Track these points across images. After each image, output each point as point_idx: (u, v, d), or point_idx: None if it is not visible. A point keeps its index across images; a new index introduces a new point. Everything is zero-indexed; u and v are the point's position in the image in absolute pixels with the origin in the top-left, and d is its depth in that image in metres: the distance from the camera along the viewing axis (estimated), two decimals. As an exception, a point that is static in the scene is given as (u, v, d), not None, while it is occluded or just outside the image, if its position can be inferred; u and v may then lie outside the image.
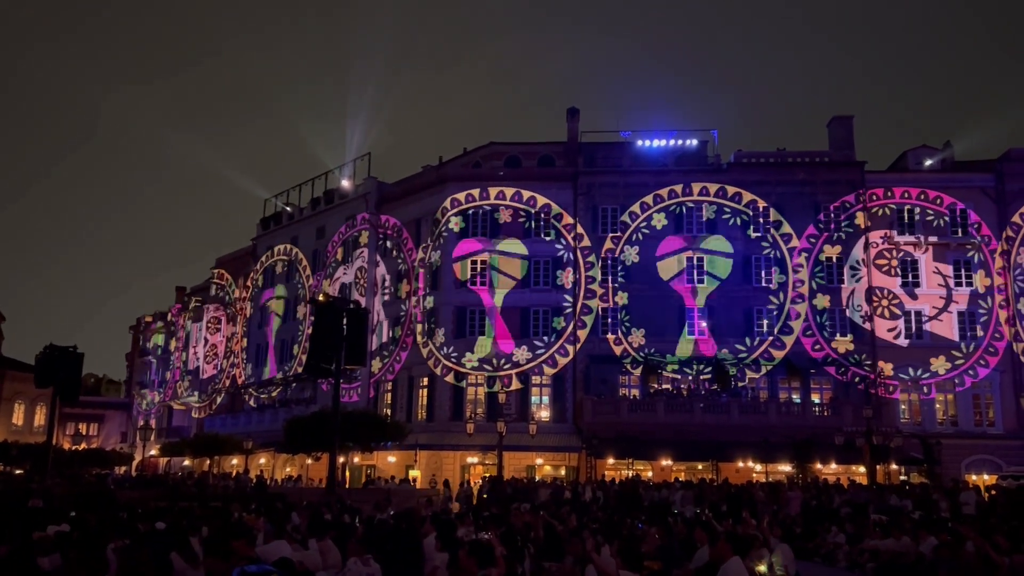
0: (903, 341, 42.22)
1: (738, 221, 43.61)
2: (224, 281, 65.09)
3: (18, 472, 50.79)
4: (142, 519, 13.88)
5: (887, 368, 41.74)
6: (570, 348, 43.28)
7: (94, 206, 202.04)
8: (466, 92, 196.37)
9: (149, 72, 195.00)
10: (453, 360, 43.83)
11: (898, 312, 42.53)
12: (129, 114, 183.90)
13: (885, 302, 42.69)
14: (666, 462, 38.39)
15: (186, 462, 55.51)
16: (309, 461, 42.21)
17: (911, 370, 41.78)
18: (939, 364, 41.73)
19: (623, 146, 46.43)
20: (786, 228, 43.45)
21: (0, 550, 8.31)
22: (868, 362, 41.89)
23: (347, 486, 34.60)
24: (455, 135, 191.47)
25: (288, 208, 59.41)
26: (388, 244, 49.68)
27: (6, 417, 74.79)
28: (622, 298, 43.32)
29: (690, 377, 42.07)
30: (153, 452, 64.35)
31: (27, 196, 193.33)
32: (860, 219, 43.34)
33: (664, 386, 41.88)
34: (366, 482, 40.84)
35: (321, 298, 25.37)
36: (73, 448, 67.00)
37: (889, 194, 43.73)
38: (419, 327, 45.78)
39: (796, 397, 41.72)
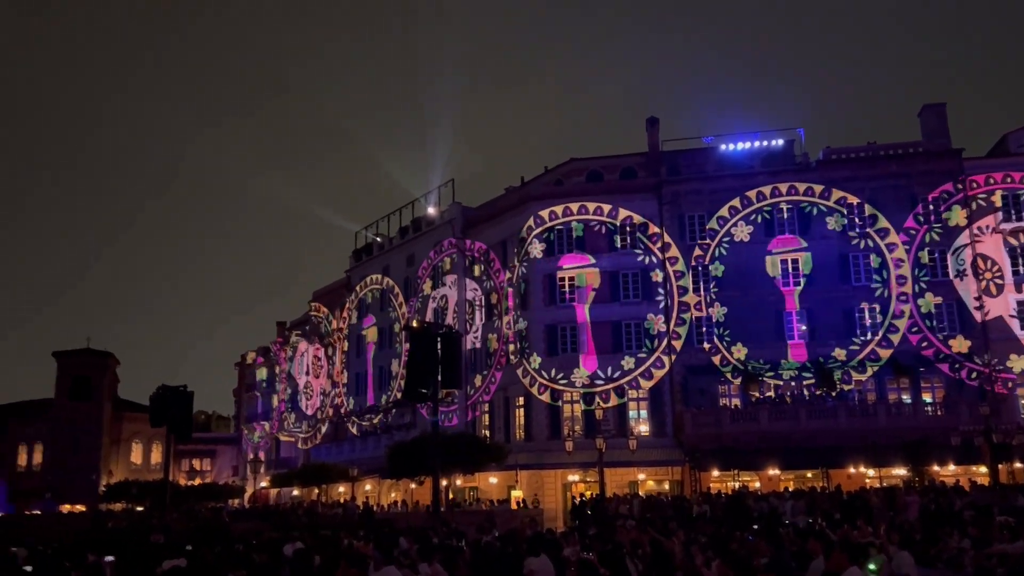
0: (1021, 332, 40.15)
1: (832, 220, 42.38)
2: (321, 313, 66.91)
3: (139, 509, 53.10)
4: (256, 550, 14.31)
5: (1020, 363, 39.60)
6: (666, 360, 42.76)
7: (188, 250, 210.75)
8: (543, 109, 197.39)
9: (228, 114, 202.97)
10: (547, 378, 43.86)
11: (1012, 303, 40.49)
12: (211, 157, 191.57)
13: (995, 291, 40.72)
14: (773, 471, 37.42)
15: (295, 492, 57.03)
16: (413, 486, 42.84)
17: (1030, 363, 39.65)
18: (1060, 355, 39.51)
19: (706, 152, 45.82)
20: (883, 223, 41.99)
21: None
22: (981, 357, 39.92)
23: (451, 509, 34.95)
24: (535, 154, 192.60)
25: (378, 239, 60.82)
26: (476, 267, 50.24)
27: (125, 456, 78.48)
28: (716, 306, 42.61)
29: (792, 382, 40.97)
30: (264, 484, 66.35)
31: (120, 242, 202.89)
32: (961, 208, 41.55)
33: (767, 394, 40.91)
34: (451, 504, 41.13)
35: (415, 324, 25.85)
36: (188, 483, 69.67)
37: (991, 180, 41.81)
38: (511, 347, 46.02)
39: (906, 397, 40.10)
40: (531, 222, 45.87)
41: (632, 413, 42.87)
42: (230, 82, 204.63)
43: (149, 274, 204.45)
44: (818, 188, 42.77)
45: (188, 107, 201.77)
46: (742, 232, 43.10)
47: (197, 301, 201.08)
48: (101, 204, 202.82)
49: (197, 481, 72.97)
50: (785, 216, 43.02)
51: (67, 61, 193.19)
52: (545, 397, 43.90)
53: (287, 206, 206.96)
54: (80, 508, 63.36)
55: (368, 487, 52.16)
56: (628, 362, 43.05)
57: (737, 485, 36.92)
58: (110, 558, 12.22)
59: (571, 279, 44.63)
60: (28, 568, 12.36)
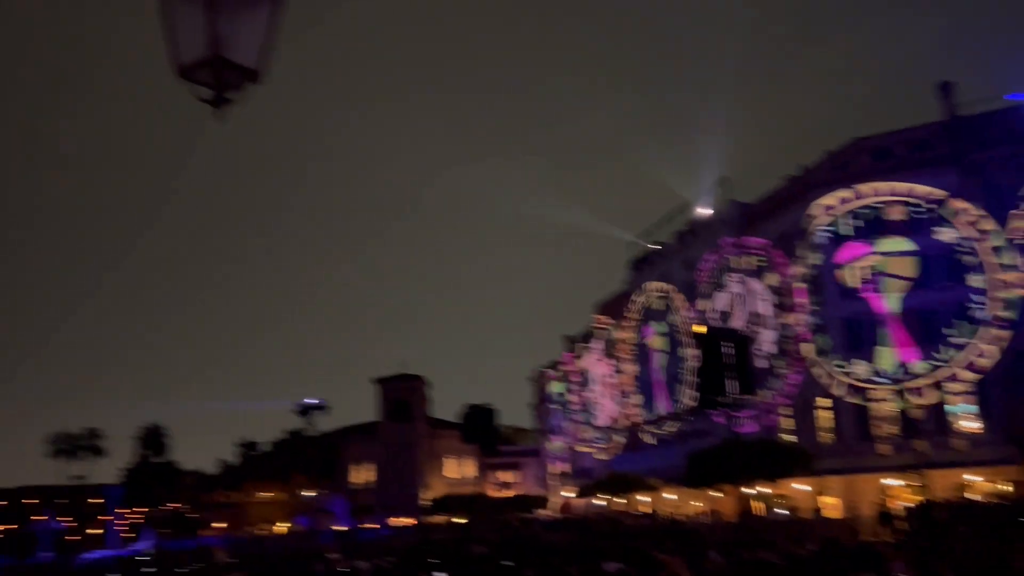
0: None
1: None
2: (605, 325, 68.02)
3: (456, 521, 57.17)
4: (568, 561, 14.78)
5: None
6: (990, 348, 38.36)
7: (478, 277, 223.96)
8: (814, 93, 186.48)
9: (481, 151, 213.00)
10: (851, 376, 41.09)
11: None
12: (489, 186, 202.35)
13: None
14: None
15: (599, 502, 58.27)
16: (715, 494, 42.03)
17: None
18: None
19: (1013, 112, 40.68)
20: None
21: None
22: None
23: (759, 519, 33.83)
24: (811, 139, 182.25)
25: (654, 246, 60.78)
26: (759, 265, 48.43)
27: (440, 471, 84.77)
28: (1045, 282, 37.57)
29: None
30: (569, 494, 68.48)
31: (436, 282, 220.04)
32: None
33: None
34: (757, 513, 39.56)
35: (701, 329, 25.48)
36: (500, 495, 73.70)
37: None
38: (807, 346, 43.72)
39: None
40: (816, 211, 43.41)
41: (954, 408, 38.90)
42: (494, 115, 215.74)
43: (447, 297, 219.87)
44: None
45: (463, 137, 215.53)
46: (1071, 194, 37.71)
47: (489, 318, 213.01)
48: (433, 248, 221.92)
49: (506, 493, 76.90)
50: (1126, 170, 37.03)
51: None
52: (850, 397, 41.16)
53: (562, 222, 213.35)
54: (408, 521, 69.41)
55: (670, 496, 51.97)
56: (945, 353, 39.17)
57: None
58: (439, 574, 13.21)
59: (868, 267, 41.57)
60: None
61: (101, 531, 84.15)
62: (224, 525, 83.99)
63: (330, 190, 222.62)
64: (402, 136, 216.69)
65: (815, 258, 43.29)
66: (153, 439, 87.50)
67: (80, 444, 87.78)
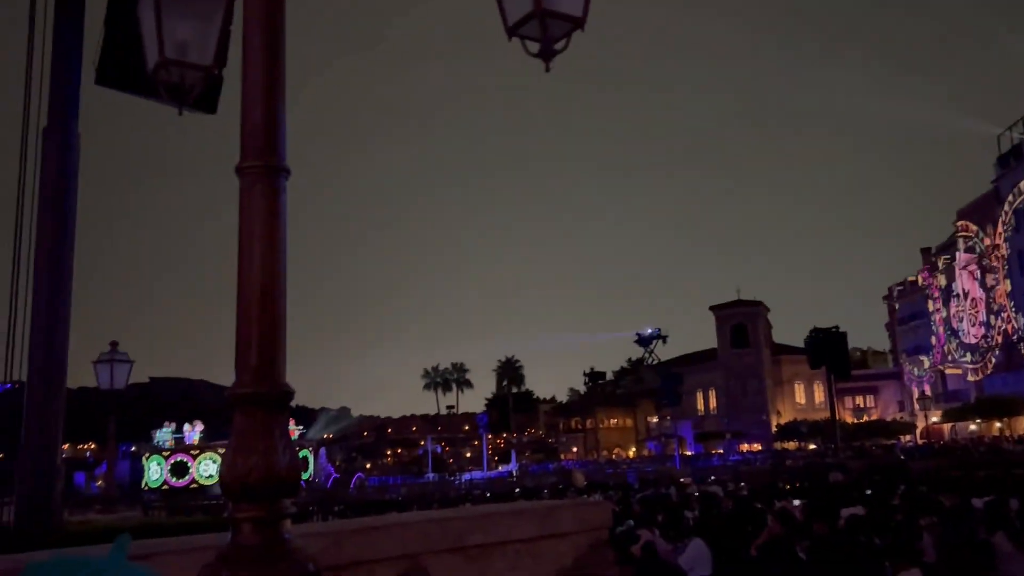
0: None
1: None
2: (970, 232, 60.95)
3: (811, 447, 55.44)
4: (945, 492, 13.71)
5: None
6: None
7: (820, 191, 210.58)
8: None
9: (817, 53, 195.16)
10: None
11: None
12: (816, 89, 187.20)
13: None
14: None
15: (971, 427, 53.17)
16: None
17: None
18: None
19: None
20: None
21: (818, 527, 9.26)
22: None
23: None
24: None
25: (1027, 136, 52.94)
26: None
27: (790, 397, 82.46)
28: None
29: None
30: (934, 419, 63.31)
31: (735, 195, 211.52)
32: None
33: None
34: None
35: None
36: (855, 421, 70.17)
37: None
38: None
39: None
40: None
41: None
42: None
43: (787, 217, 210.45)
44: None
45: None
46: None
47: (833, 236, 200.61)
48: (774, 161, 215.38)
49: (863, 419, 73.01)
50: None
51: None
52: None
53: (916, 122, 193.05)
54: (756, 447, 68.75)
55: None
56: None
57: None
58: (797, 502, 13.00)
59: None
60: (728, 506, 13.97)
61: (470, 455, 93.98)
62: (576, 450, 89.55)
63: (691, 105, 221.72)
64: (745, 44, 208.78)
65: None
66: (510, 371, 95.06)
67: (449, 377, 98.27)
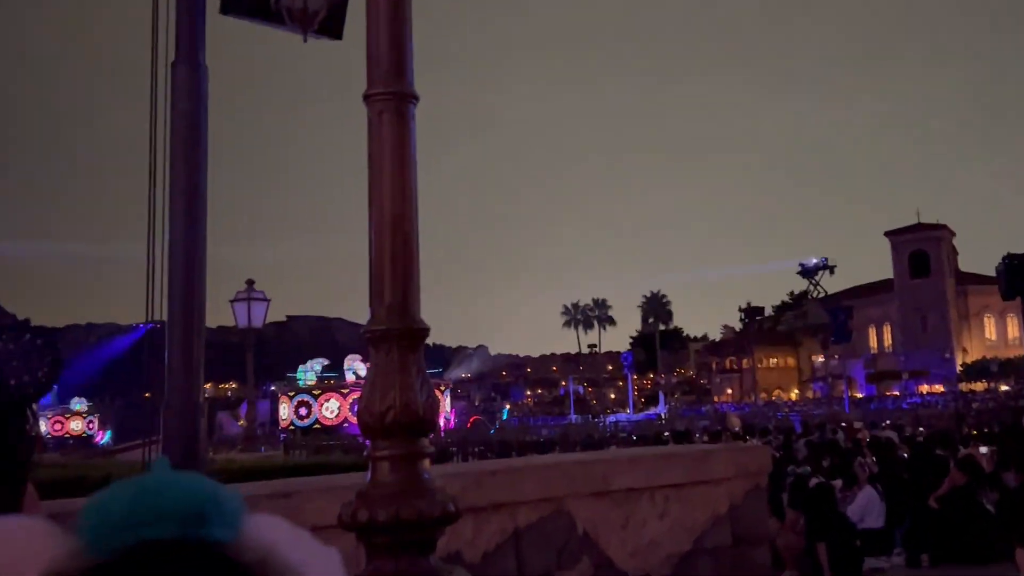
0: None
1: None
2: None
3: (1002, 389, 52.67)
4: None
5: None
6: None
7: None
8: None
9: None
10: None
11: None
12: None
13: None
14: None
15: None
16: None
17: None
18: None
19: None
20: None
21: (1009, 477, 8.86)
22: None
23: None
24: None
25: None
26: None
27: (978, 332, 78.24)
28: None
29: None
30: None
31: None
32: None
33: None
34: None
35: None
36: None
37: None
38: None
39: None
40: None
41: None
42: None
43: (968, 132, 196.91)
44: None
45: None
46: None
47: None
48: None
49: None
50: None
51: None
52: None
53: None
54: (937, 388, 65.87)
55: None
56: None
57: None
58: (984, 449, 12.46)
59: None
60: (905, 453, 13.56)
61: (614, 396, 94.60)
62: (731, 392, 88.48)
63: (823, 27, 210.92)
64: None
65: None
66: (657, 307, 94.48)
67: (591, 314, 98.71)
